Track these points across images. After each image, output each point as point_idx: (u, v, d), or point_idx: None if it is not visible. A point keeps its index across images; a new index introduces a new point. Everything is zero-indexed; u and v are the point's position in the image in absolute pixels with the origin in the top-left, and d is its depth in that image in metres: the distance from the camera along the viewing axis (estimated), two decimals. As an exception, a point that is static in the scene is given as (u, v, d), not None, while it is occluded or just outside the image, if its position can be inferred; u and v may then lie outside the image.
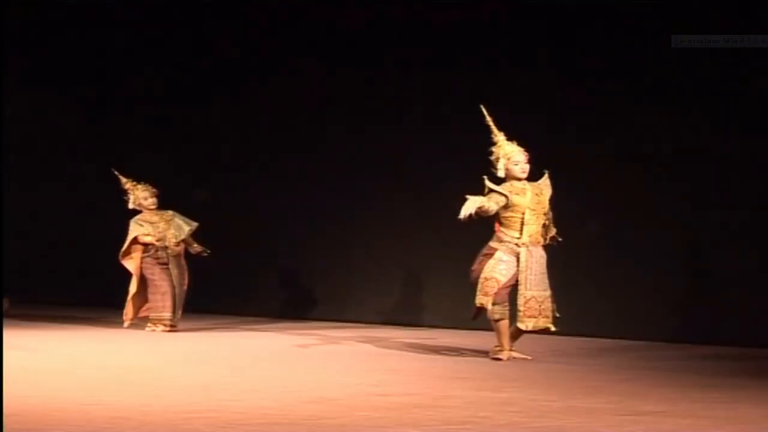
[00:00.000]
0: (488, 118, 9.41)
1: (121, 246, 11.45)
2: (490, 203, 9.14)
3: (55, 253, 14.59)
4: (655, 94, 11.10)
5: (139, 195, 11.49)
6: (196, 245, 11.57)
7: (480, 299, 9.24)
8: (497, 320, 9.24)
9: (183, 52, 13.89)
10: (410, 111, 12.36)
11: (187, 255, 11.61)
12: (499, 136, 9.40)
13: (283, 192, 13.19)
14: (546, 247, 9.40)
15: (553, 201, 9.48)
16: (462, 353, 9.84)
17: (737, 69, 10.70)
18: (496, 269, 9.22)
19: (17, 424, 6.14)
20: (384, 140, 12.50)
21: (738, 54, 10.61)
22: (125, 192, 11.59)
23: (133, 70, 14.15)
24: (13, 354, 9.11)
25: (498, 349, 9.30)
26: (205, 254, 11.53)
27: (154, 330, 11.38)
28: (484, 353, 9.52)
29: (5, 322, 11.42)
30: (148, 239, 11.32)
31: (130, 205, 11.53)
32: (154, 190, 11.54)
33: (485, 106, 9.48)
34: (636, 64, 11.15)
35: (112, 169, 11.65)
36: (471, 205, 9.03)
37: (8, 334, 10.32)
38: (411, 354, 9.85)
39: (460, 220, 9.03)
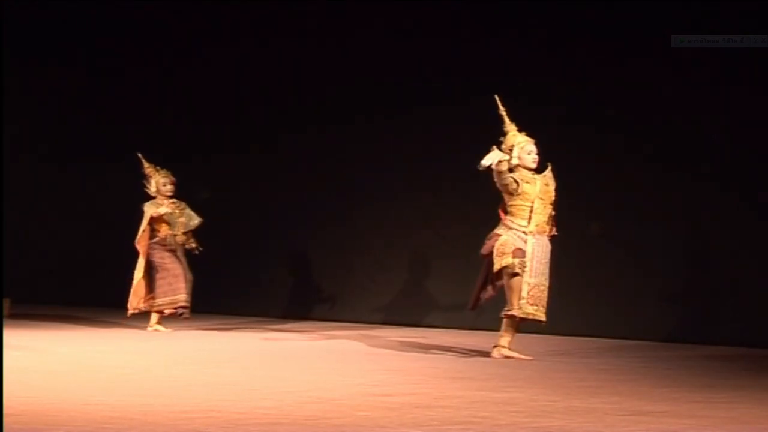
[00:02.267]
0: (501, 109, 9.41)
1: (124, 241, 11.47)
2: (507, 176, 9.13)
3: (55, 252, 14.58)
4: (655, 93, 11.09)
5: (159, 180, 11.54)
6: (192, 240, 11.58)
7: (499, 261, 9.21)
8: (514, 275, 9.22)
9: (186, 54, 13.89)
10: (411, 110, 12.35)
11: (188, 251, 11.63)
12: (511, 126, 9.41)
13: (283, 192, 13.18)
14: (551, 240, 9.38)
15: (557, 196, 9.48)
16: (463, 353, 9.82)
17: (737, 69, 10.69)
18: (509, 239, 9.24)
19: (18, 425, 6.13)
20: (384, 140, 12.50)
21: (738, 54, 10.60)
22: (145, 177, 11.59)
23: (136, 69, 14.16)
24: (14, 354, 9.10)
25: (508, 309, 9.25)
26: (197, 252, 11.53)
27: (157, 329, 11.38)
28: (485, 353, 9.50)
29: (6, 322, 11.41)
30: (162, 210, 11.33)
31: (151, 190, 11.54)
32: (173, 178, 11.58)
33: (485, 106, 9.48)
34: (636, 64, 11.14)
35: (138, 154, 11.62)
36: (494, 156, 9.11)
37: (9, 334, 10.31)
38: (411, 354, 9.84)
39: (478, 169, 9.05)
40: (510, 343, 9.31)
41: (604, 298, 11.23)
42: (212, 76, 13.72)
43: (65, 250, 14.50)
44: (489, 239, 9.38)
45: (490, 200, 9.46)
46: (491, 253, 9.30)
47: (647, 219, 11.09)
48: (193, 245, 11.57)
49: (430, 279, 12.31)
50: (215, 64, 13.70)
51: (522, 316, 9.22)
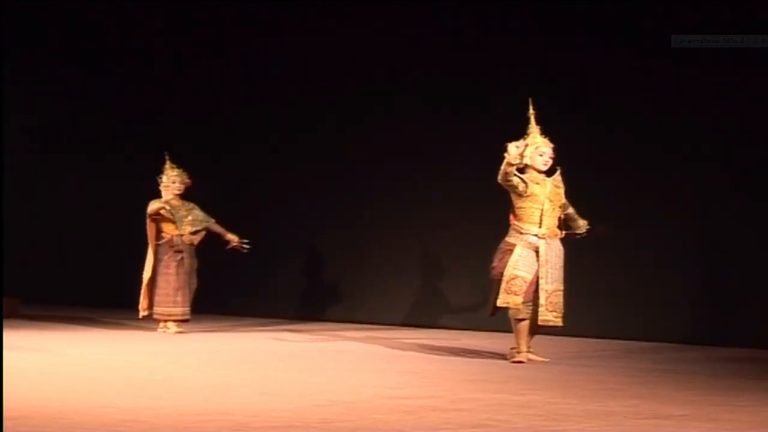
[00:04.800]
0: (532, 111, 9.37)
1: (134, 241, 11.51)
2: (513, 176, 9.06)
3: (63, 252, 14.62)
4: (655, 93, 11.10)
5: (171, 175, 11.49)
6: (238, 241, 11.54)
7: (505, 299, 9.16)
8: (520, 320, 9.19)
9: (190, 54, 13.90)
10: (425, 109, 12.36)
11: (198, 253, 11.62)
12: (534, 128, 9.37)
13: (296, 190, 13.19)
14: (562, 241, 9.36)
15: (570, 200, 9.47)
16: (479, 355, 9.82)
17: (737, 69, 10.72)
18: (519, 266, 9.16)
19: (26, 427, 6.14)
20: (399, 139, 12.51)
21: (738, 54, 10.64)
22: (162, 173, 11.57)
23: (144, 67, 14.19)
24: (22, 356, 9.12)
25: (515, 351, 9.27)
26: (245, 250, 11.49)
27: (165, 331, 11.39)
28: (502, 355, 9.50)
29: (15, 323, 11.44)
30: (156, 205, 11.25)
31: (162, 182, 11.50)
32: (187, 180, 11.53)
33: (496, 106, 9.47)
34: (636, 64, 11.15)
35: (166, 153, 11.60)
36: (514, 149, 8.98)
37: (16, 335, 10.35)
38: (427, 356, 9.83)
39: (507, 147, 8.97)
40: (528, 346, 9.30)
41: (623, 299, 11.21)
42: (223, 73, 13.73)
43: (74, 249, 14.53)
44: (501, 251, 9.27)
45: (506, 199, 9.43)
46: (501, 276, 9.22)
47: (666, 219, 11.06)
48: (236, 243, 11.51)
49: (446, 279, 12.30)
50: (226, 61, 13.71)
51: (542, 324, 9.21)
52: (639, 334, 10.97)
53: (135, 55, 14.21)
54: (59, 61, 14.68)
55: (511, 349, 9.35)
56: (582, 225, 9.55)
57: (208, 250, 11.62)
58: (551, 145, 9.30)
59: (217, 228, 11.62)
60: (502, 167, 9.04)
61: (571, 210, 9.49)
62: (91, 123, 14.54)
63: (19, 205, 14.22)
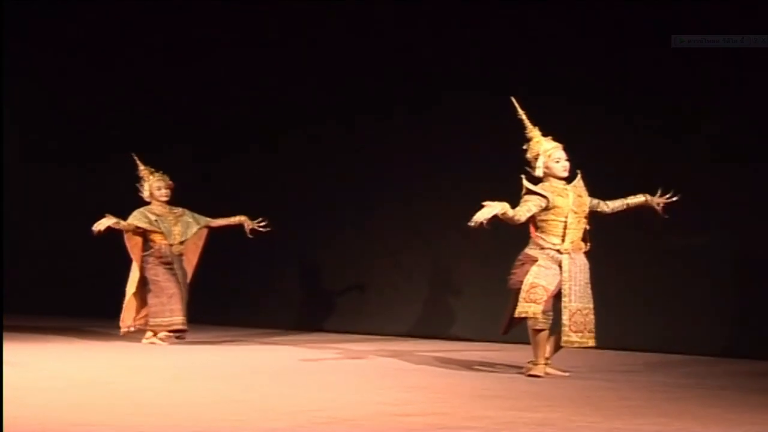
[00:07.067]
0: (521, 112, 9.31)
1: (118, 249, 11.48)
2: (522, 209, 8.97)
3: (45, 260, 14.65)
4: (655, 94, 11.12)
5: (153, 184, 11.53)
6: (238, 218, 11.55)
7: (524, 308, 9.06)
8: (539, 330, 9.12)
9: (192, 55, 13.95)
10: (436, 112, 12.38)
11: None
12: (535, 132, 9.30)
13: (296, 194, 13.23)
14: (587, 254, 9.28)
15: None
16: (493, 369, 9.80)
17: (737, 69, 10.79)
18: (540, 276, 9.10)
19: (-1, 447, 6.12)
20: (408, 143, 12.54)
21: (738, 54, 10.71)
22: (140, 179, 11.59)
23: (135, 70, 14.27)
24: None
25: (532, 364, 9.22)
26: (263, 229, 11.47)
27: (153, 342, 11.36)
28: (517, 369, 9.48)
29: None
30: (106, 222, 11.14)
31: (144, 194, 11.54)
32: (169, 182, 11.56)
33: (510, 108, 9.44)
34: (636, 64, 11.18)
35: (132, 154, 11.63)
36: (487, 212, 8.78)
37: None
38: (436, 369, 9.82)
39: (469, 226, 8.84)
40: (546, 358, 9.25)
41: (651, 308, 11.21)
42: (221, 73, 13.78)
43: (55, 257, 14.57)
44: (520, 265, 9.21)
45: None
46: (520, 284, 9.15)
47: (695, 227, 11.02)
48: (260, 227, 11.46)
49: (458, 288, 12.30)
50: (228, 64, 13.76)
51: (565, 346, 9.15)
52: (666, 346, 10.96)
53: (128, 57, 14.32)
54: (52, 64, 14.79)
55: (528, 362, 9.31)
56: (647, 200, 9.51)
57: (204, 256, 11.61)
58: (561, 146, 9.23)
59: (218, 222, 11.65)
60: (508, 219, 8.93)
61: (610, 204, 9.40)
62: (77, 129, 14.60)
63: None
